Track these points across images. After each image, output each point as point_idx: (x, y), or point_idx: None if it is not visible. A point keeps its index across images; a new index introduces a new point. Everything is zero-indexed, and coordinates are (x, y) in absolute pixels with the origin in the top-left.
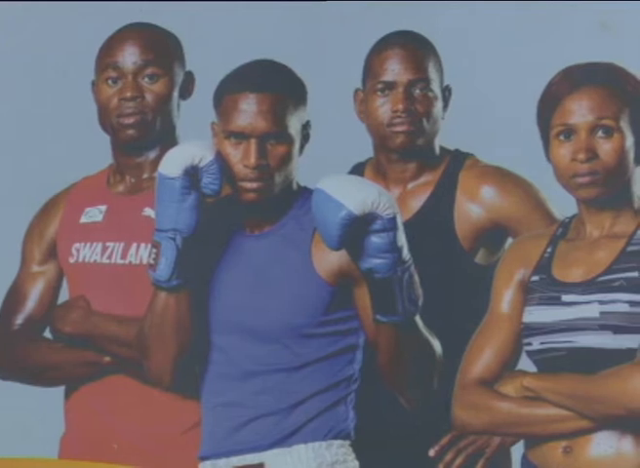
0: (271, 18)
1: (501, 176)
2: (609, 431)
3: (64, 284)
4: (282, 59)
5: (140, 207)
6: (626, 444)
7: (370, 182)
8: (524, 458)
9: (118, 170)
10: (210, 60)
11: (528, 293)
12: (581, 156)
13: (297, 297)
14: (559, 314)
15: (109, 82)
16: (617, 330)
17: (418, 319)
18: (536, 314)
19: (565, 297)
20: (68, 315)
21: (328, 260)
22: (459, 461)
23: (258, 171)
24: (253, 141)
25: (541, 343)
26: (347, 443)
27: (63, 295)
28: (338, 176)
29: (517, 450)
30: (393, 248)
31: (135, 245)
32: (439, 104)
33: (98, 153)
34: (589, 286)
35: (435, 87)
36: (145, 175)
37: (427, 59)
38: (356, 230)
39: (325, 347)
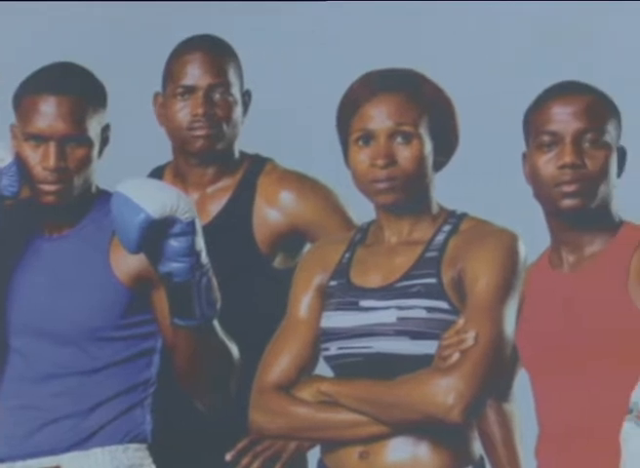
0: (74, 19)
1: (300, 182)
2: (405, 436)
3: None
4: (83, 62)
5: None
6: (422, 449)
7: (169, 186)
8: (320, 463)
9: None
10: (10, 62)
11: (326, 298)
12: (380, 162)
13: (94, 300)
14: (357, 319)
15: None
16: (414, 335)
17: (215, 323)
18: (333, 319)
19: (363, 303)
20: None
21: (126, 263)
22: (255, 465)
23: (57, 173)
24: (52, 144)
25: (339, 348)
26: (144, 446)
27: None
28: (137, 180)
29: (314, 455)
30: (191, 252)
31: None
32: (239, 109)
33: None
34: (387, 291)
35: (235, 91)
36: None
37: (227, 64)
38: (155, 234)
39: (122, 351)
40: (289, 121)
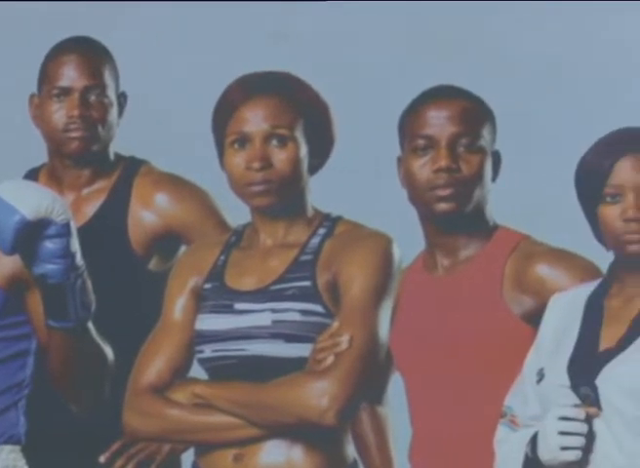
0: None
1: (176, 184)
2: (280, 439)
3: None
4: None
5: None
6: (297, 452)
7: (44, 188)
8: (194, 465)
9: None
10: None
11: (201, 301)
12: (256, 164)
13: None
14: (232, 322)
15: None
16: (288, 338)
17: (90, 325)
18: (208, 322)
19: (238, 306)
20: None
21: (1, 265)
22: None
23: None
24: None
25: (213, 351)
26: (18, 448)
27: None
28: (12, 182)
29: (188, 457)
30: (66, 253)
31: None
32: (114, 111)
33: None
34: (262, 294)
35: (111, 93)
36: None
37: (103, 66)
38: (29, 235)
39: None
40: (167, 125)
